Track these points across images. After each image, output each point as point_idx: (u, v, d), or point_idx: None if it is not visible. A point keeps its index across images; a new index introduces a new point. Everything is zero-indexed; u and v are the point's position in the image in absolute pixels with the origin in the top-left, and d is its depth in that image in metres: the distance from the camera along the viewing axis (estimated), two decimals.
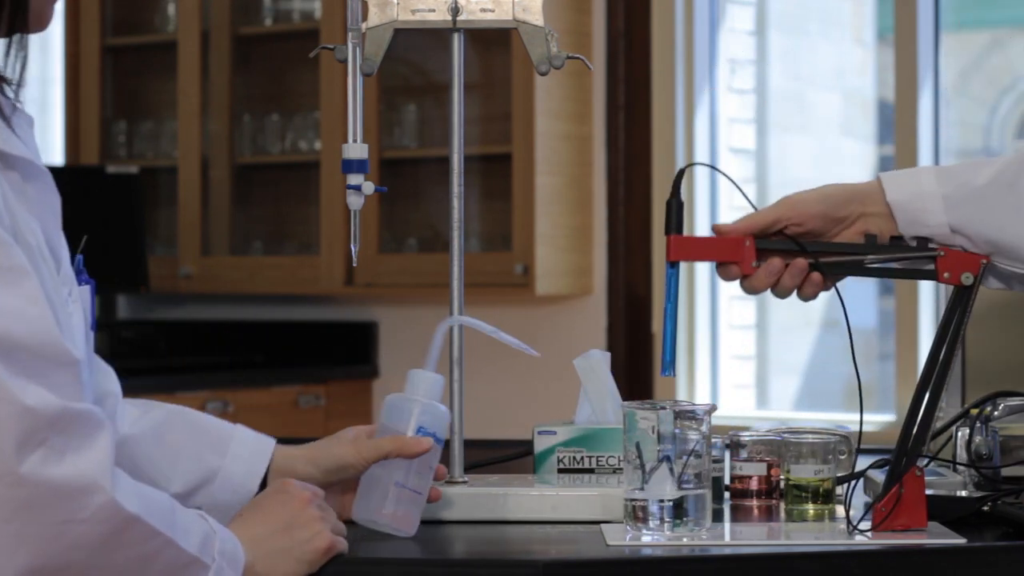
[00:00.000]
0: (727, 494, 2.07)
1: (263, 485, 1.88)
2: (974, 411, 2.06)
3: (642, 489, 1.81)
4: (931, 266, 1.91)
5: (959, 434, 2.05)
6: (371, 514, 1.85)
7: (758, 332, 5.21)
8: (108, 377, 1.91)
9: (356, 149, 2.00)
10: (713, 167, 2.04)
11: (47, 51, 6.61)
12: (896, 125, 4.70)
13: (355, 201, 2.01)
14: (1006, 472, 2.00)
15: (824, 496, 1.93)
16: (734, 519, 1.99)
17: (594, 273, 5.02)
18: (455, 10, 2.02)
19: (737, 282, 1.93)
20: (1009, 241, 1.89)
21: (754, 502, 2.05)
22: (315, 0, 5.39)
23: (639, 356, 4.95)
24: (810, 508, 1.93)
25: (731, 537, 1.88)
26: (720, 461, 2.05)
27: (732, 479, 2.07)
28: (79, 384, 1.56)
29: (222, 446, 1.89)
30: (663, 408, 1.81)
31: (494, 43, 4.98)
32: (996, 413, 2.04)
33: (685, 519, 1.80)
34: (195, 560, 1.58)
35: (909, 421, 1.85)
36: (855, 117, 5.51)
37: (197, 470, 1.88)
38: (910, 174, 1.93)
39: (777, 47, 5.32)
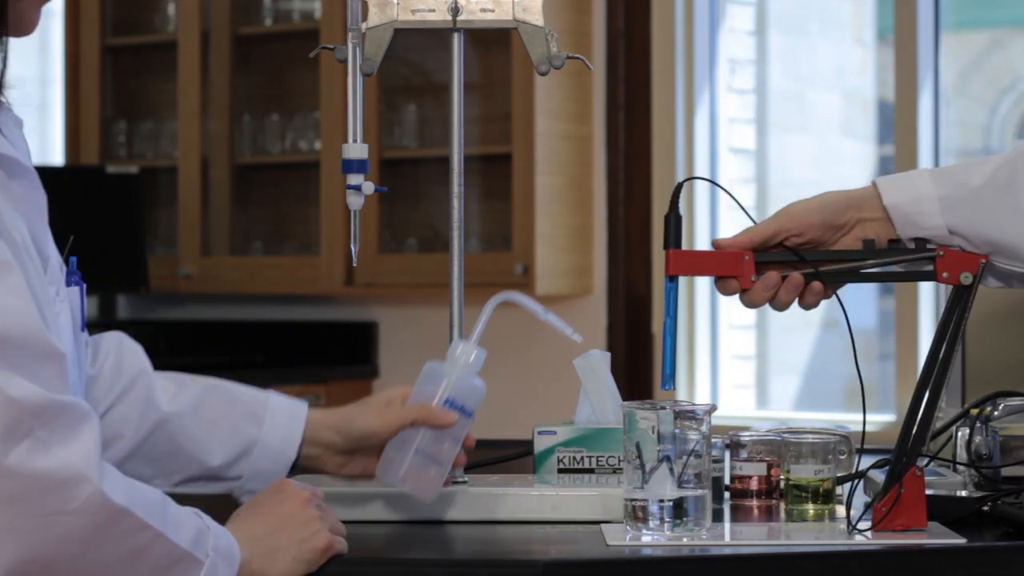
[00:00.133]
0: (727, 494, 2.07)
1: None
2: (974, 411, 2.06)
3: (642, 489, 1.81)
4: (930, 267, 1.91)
5: (959, 434, 2.05)
6: (391, 477, 1.88)
7: (758, 332, 5.22)
8: (137, 356, 1.93)
9: (356, 149, 2.00)
10: (712, 181, 2.05)
11: (47, 51, 6.62)
12: (896, 125, 4.70)
13: (355, 201, 2.01)
14: (1006, 472, 2.00)
15: (824, 496, 1.93)
16: (734, 519, 1.99)
17: (594, 273, 5.02)
18: (455, 10, 2.02)
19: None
20: (1007, 240, 1.89)
21: (754, 502, 2.05)
22: (315, 0, 5.39)
23: (639, 356, 4.95)
24: (810, 508, 1.93)
25: (731, 537, 1.88)
26: (720, 461, 2.05)
27: (732, 479, 2.07)
28: (63, 377, 1.56)
29: (258, 417, 1.92)
30: (663, 408, 1.81)
31: (494, 43, 4.98)
32: (996, 413, 2.04)
33: (685, 519, 1.80)
34: (187, 555, 1.58)
35: (909, 421, 1.85)
36: (855, 117, 5.51)
37: (235, 442, 1.91)
38: (905, 177, 1.93)
39: (777, 47, 5.32)
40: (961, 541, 1.79)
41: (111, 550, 1.54)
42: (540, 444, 2.07)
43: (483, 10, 2.03)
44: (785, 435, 1.99)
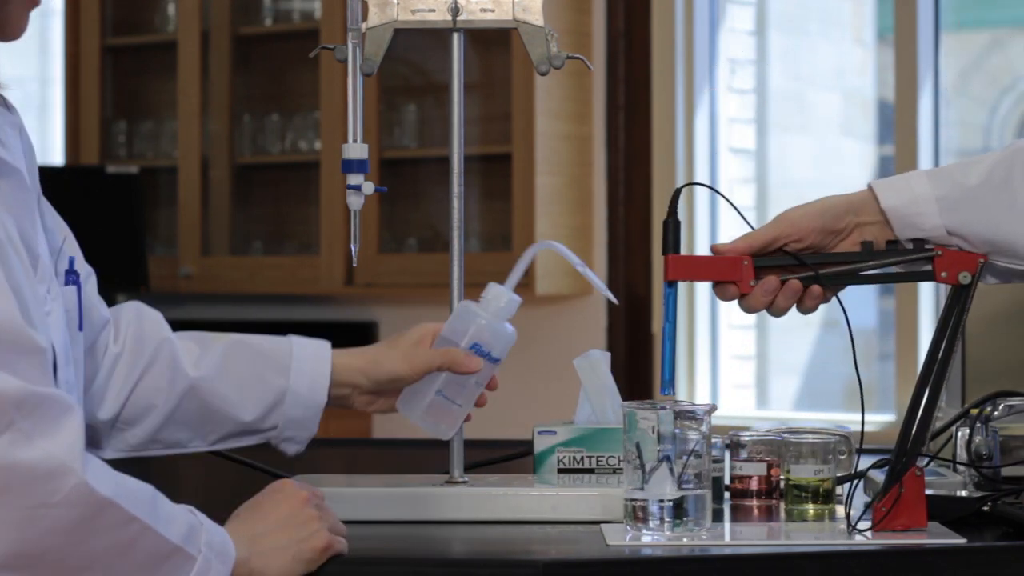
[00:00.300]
0: (727, 494, 2.07)
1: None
2: (974, 411, 2.06)
3: (642, 489, 1.81)
4: (928, 267, 1.91)
5: (959, 434, 2.05)
6: (411, 413, 1.91)
7: (758, 332, 5.22)
8: (158, 324, 1.95)
9: (356, 149, 2.00)
10: (711, 188, 2.04)
11: (47, 51, 6.62)
12: (896, 125, 4.70)
13: (355, 201, 2.01)
14: (1006, 472, 2.00)
15: (824, 496, 1.93)
16: (734, 519, 1.99)
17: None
18: (455, 10, 2.02)
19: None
20: (1006, 239, 1.89)
21: (754, 502, 2.05)
22: (315, 0, 5.39)
23: (639, 356, 4.95)
24: (810, 508, 1.93)
25: (731, 537, 1.88)
26: (720, 461, 2.05)
27: (732, 479, 2.07)
28: (46, 371, 1.56)
29: (284, 366, 1.93)
30: (663, 408, 1.81)
31: (494, 43, 4.98)
32: (996, 413, 2.04)
33: (685, 519, 1.80)
34: (178, 550, 1.57)
35: (908, 421, 1.85)
36: (855, 117, 5.51)
37: (265, 395, 1.93)
38: (902, 179, 1.93)
39: (777, 47, 5.32)
40: (961, 541, 1.79)
41: (98, 543, 1.53)
42: (540, 444, 2.07)
43: (483, 10, 2.02)
44: (785, 435, 1.99)
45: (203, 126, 5.48)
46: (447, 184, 2.05)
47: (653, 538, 1.80)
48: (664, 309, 1.92)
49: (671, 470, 1.80)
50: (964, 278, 1.89)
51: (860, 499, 2.00)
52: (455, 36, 2.04)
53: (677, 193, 1.92)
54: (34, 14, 1.71)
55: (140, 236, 5.35)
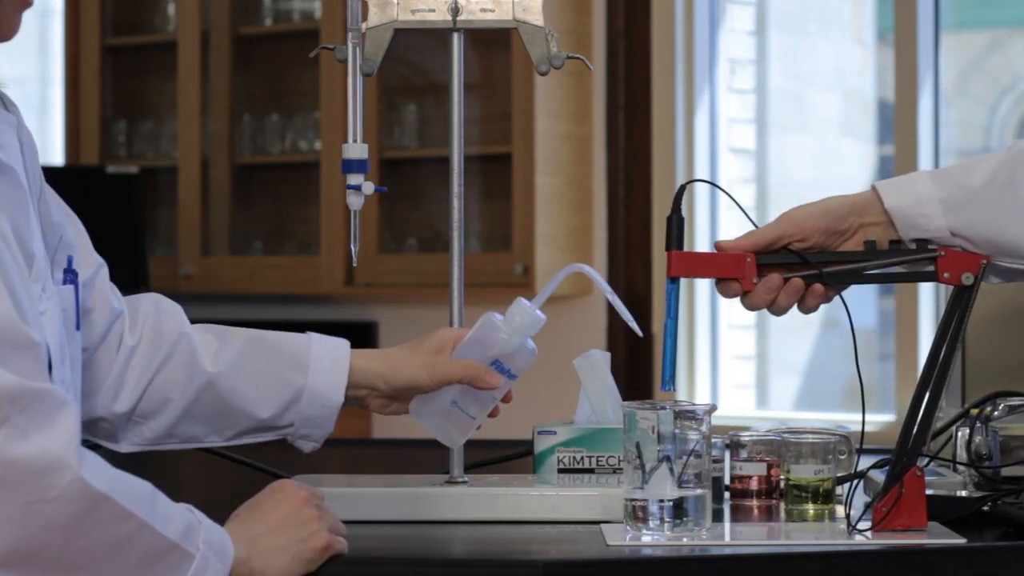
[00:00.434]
0: (727, 494, 2.07)
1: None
2: (974, 411, 2.06)
3: (642, 489, 1.81)
4: (931, 267, 1.91)
5: (959, 434, 2.05)
6: (423, 418, 1.91)
7: (758, 332, 5.22)
8: (176, 317, 1.94)
9: (356, 149, 2.00)
10: (716, 185, 2.04)
11: (47, 51, 6.61)
12: (896, 125, 4.70)
13: (355, 201, 2.01)
14: (1006, 472, 2.00)
15: (824, 496, 1.93)
16: (734, 519, 1.99)
17: None
18: (455, 10, 2.02)
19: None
20: (1009, 240, 1.89)
21: (754, 502, 2.05)
22: (315, 0, 5.39)
23: (639, 356, 4.95)
24: (810, 508, 1.93)
25: (731, 537, 1.88)
26: (720, 461, 2.05)
27: (732, 479, 2.07)
28: (40, 366, 1.56)
29: (302, 364, 1.92)
30: (663, 408, 1.81)
31: (494, 43, 4.98)
32: (996, 413, 2.04)
33: (685, 519, 1.80)
34: (175, 547, 1.57)
35: (909, 421, 1.85)
36: (855, 117, 5.51)
37: (283, 393, 1.92)
38: (906, 180, 1.93)
39: (777, 47, 5.32)
40: (961, 541, 1.79)
41: (95, 539, 1.53)
42: (540, 444, 2.07)
43: (483, 10, 2.03)
44: (785, 435, 1.99)
45: (203, 126, 5.48)
46: (447, 184, 2.05)
47: (653, 538, 1.80)
48: (666, 305, 1.92)
49: (671, 470, 1.80)
50: (967, 279, 1.89)
51: (860, 499, 2.00)
52: (455, 36, 2.04)
53: (682, 189, 1.92)
54: (34, 14, 1.71)
55: (140, 236, 5.35)
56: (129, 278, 5.33)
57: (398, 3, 2.02)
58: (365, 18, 2.01)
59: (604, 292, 1.91)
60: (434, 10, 2.02)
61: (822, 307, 1.94)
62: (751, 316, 5.13)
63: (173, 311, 1.95)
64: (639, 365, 4.95)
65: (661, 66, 4.99)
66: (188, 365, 1.91)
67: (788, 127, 5.37)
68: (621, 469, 1.97)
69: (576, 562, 1.74)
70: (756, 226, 1.94)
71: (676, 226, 1.91)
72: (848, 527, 1.83)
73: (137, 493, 1.57)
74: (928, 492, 1.85)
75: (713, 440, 1.93)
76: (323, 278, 5.22)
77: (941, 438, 2.09)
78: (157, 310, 1.94)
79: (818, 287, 1.91)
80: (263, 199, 5.58)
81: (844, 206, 1.92)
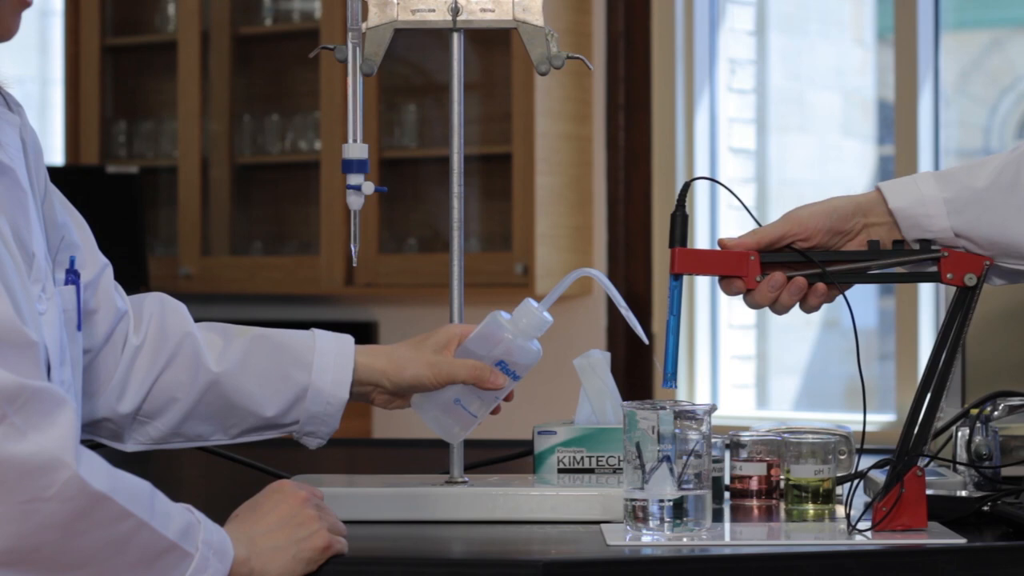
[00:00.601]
0: (727, 494, 2.07)
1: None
2: (974, 411, 2.06)
3: (642, 489, 1.81)
4: (934, 268, 1.91)
5: (959, 434, 2.05)
6: (424, 413, 1.92)
7: (758, 332, 5.22)
8: (181, 317, 1.95)
9: (356, 149, 2.00)
10: (720, 183, 2.04)
11: (47, 51, 6.61)
12: (896, 125, 4.70)
13: (355, 201, 2.01)
14: (1006, 472, 2.00)
15: (824, 496, 1.93)
16: (734, 519, 1.99)
17: None
18: (455, 10, 2.02)
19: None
20: (1013, 241, 1.89)
21: (754, 502, 2.05)
22: (315, 0, 5.39)
23: (639, 356, 4.95)
24: (810, 508, 1.93)
25: (731, 537, 1.88)
26: (720, 461, 2.05)
27: (732, 479, 2.07)
28: (38, 366, 1.56)
29: (306, 362, 1.93)
30: (663, 408, 1.81)
31: (494, 43, 4.98)
32: (996, 413, 2.04)
33: (685, 519, 1.80)
34: (174, 546, 1.57)
35: (910, 421, 1.85)
36: (855, 117, 5.51)
37: (287, 391, 1.92)
38: (910, 181, 1.93)
39: (777, 47, 5.32)
40: (961, 541, 1.79)
41: (93, 538, 1.53)
42: (540, 444, 2.07)
43: (483, 10, 2.02)
44: (785, 435, 1.99)
45: (203, 126, 5.48)
46: (447, 184, 2.05)
47: (653, 538, 1.80)
48: (669, 302, 1.92)
49: (671, 470, 1.80)
50: (970, 280, 1.90)
51: (860, 499, 2.00)
52: (455, 36, 2.04)
53: (686, 186, 1.92)
54: (34, 14, 1.71)
55: (140, 236, 5.35)
56: (129, 278, 5.31)
57: (398, 3, 2.02)
58: (365, 18, 2.01)
59: (613, 298, 1.92)
60: (434, 10, 2.02)
61: (823, 307, 1.94)
62: (751, 316, 5.13)
63: (177, 310, 1.95)
64: (639, 365, 4.95)
65: (661, 66, 4.99)
66: (193, 365, 1.91)
67: (788, 127, 5.37)
68: (621, 469, 1.97)
69: (576, 562, 1.74)
70: (760, 224, 1.94)
71: (680, 223, 1.92)
72: (848, 527, 1.83)
73: (136, 492, 1.56)
74: (928, 492, 1.85)
75: (713, 440, 1.93)
76: (323, 278, 5.22)
77: (941, 438, 2.09)
78: (162, 310, 1.94)
79: (821, 286, 1.91)
80: (263, 199, 5.58)
81: (848, 207, 1.93)
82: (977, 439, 2.02)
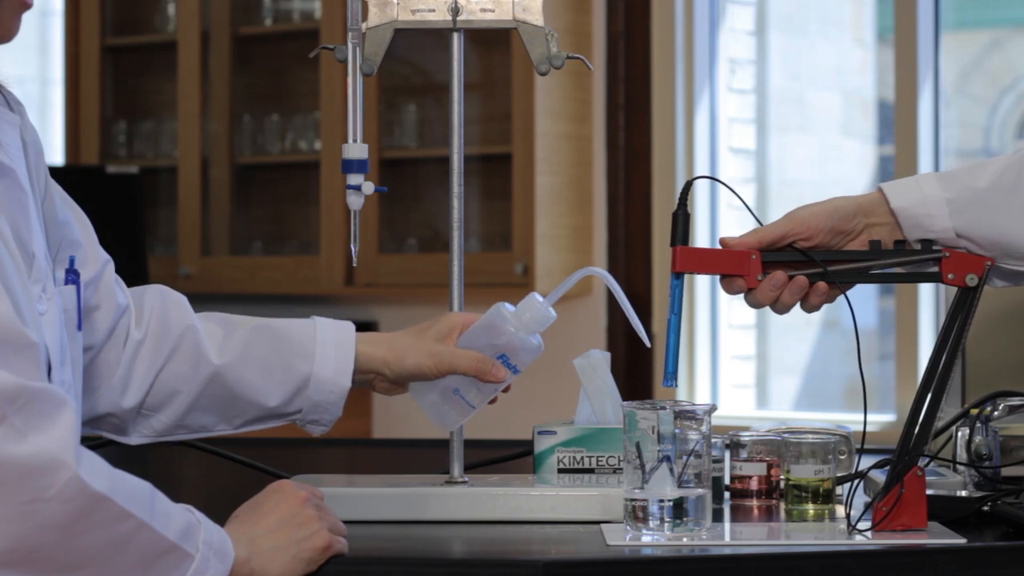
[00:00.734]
0: (727, 494, 2.07)
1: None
2: (974, 411, 2.06)
3: (642, 489, 1.81)
4: (935, 268, 1.92)
5: (959, 434, 2.05)
6: (421, 399, 1.92)
7: (758, 332, 5.22)
8: (182, 309, 1.95)
9: (356, 149, 2.00)
10: (722, 182, 2.04)
11: (47, 51, 6.61)
12: (896, 125, 4.70)
13: (355, 201, 2.01)
14: (1006, 472, 2.00)
15: (824, 496, 1.93)
16: (734, 519, 1.99)
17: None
18: (455, 10, 2.02)
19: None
20: (1014, 242, 1.90)
21: (754, 502, 2.05)
22: (315, 0, 5.39)
23: (639, 356, 4.95)
24: (810, 508, 1.93)
25: (731, 537, 1.88)
26: (720, 461, 2.05)
27: (732, 479, 2.07)
28: (38, 366, 1.56)
29: (307, 352, 1.93)
30: (663, 408, 1.81)
31: (494, 43, 4.98)
32: (996, 413, 2.04)
33: (685, 519, 1.80)
34: (174, 547, 1.57)
35: (911, 421, 1.85)
36: (855, 117, 5.51)
37: (289, 381, 1.93)
38: (912, 181, 1.94)
39: (777, 47, 5.32)
40: (961, 541, 1.79)
41: (93, 538, 1.53)
42: (540, 444, 2.07)
43: (483, 10, 2.02)
44: (785, 435, 1.99)
45: (203, 126, 5.48)
46: (447, 184, 2.05)
47: (653, 538, 1.80)
48: (670, 301, 1.92)
49: (671, 470, 1.80)
50: (971, 280, 1.90)
51: (860, 499, 2.00)
52: (455, 36, 2.04)
53: (688, 185, 1.92)
54: (34, 14, 1.71)
55: (140, 236, 5.35)
56: (129, 278, 5.29)
57: (398, 3, 2.02)
58: (365, 18, 2.01)
59: (618, 298, 1.92)
60: (434, 10, 2.02)
61: (823, 307, 1.94)
62: (751, 316, 5.13)
63: (179, 303, 1.96)
64: (639, 365, 4.95)
65: (661, 66, 4.99)
66: (194, 358, 1.92)
67: (788, 127, 5.37)
68: (621, 469, 1.97)
69: (576, 562, 1.74)
70: (761, 224, 1.94)
71: (682, 222, 1.92)
72: (848, 527, 1.83)
73: (136, 493, 1.56)
74: (928, 492, 1.85)
75: (713, 440, 1.93)
76: (323, 278, 5.22)
77: (941, 438, 2.09)
78: (162, 303, 1.95)
79: (822, 285, 1.91)
80: (263, 199, 5.58)
81: (850, 206, 1.93)
82: (977, 439, 2.02)
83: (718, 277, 1.94)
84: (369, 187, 2.01)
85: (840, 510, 1.92)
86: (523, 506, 1.94)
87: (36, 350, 1.56)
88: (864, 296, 5.14)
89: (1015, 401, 2.05)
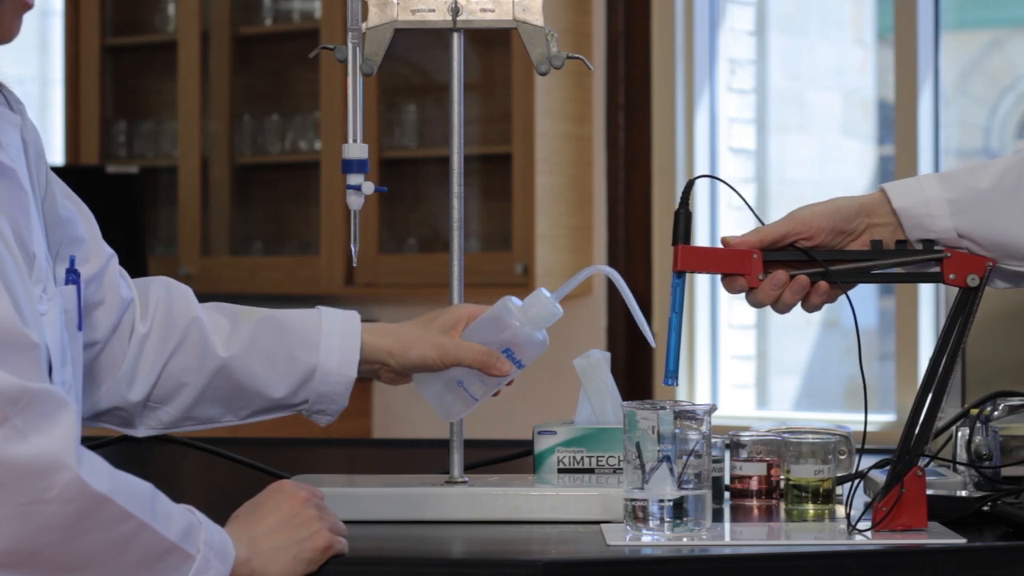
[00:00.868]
0: (727, 494, 2.07)
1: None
2: (974, 411, 2.06)
3: (642, 489, 1.80)
4: (937, 268, 1.92)
5: (959, 434, 2.05)
6: (425, 389, 1.93)
7: (758, 332, 5.21)
8: (187, 302, 1.95)
9: (356, 149, 2.00)
10: (724, 181, 2.04)
11: (47, 51, 6.62)
12: (896, 125, 4.70)
13: (355, 201, 2.01)
14: (1006, 472, 2.00)
15: (824, 496, 1.93)
16: (734, 519, 1.99)
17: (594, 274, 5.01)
18: (455, 10, 2.02)
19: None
20: (1015, 243, 1.90)
21: (754, 502, 2.05)
22: (315, 0, 5.39)
23: (639, 356, 4.95)
24: (810, 508, 1.93)
25: (731, 537, 1.88)
26: (720, 461, 2.05)
27: (732, 479, 2.07)
28: (39, 367, 1.56)
29: (313, 343, 1.93)
30: (663, 408, 1.81)
31: (494, 43, 4.98)
32: (996, 413, 2.04)
33: (685, 519, 1.80)
34: (175, 548, 1.57)
35: (911, 421, 1.85)
36: (855, 117, 5.51)
37: (295, 372, 1.93)
38: (913, 181, 1.94)
39: (777, 47, 5.32)
40: (961, 541, 1.79)
41: (94, 539, 1.53)
42: (540, 444, 2.07)
43: (483, 10, 2.02)
44: (785, 435, 1.99)
45: (203, 126, 5.48)
46: (447, 184, 2.05)
47: (653, 538, 1.80)
48: (671, 300, 1.92)
49: (671, 470, 1.80)
50: (972, 280, 1.90)
51: (860, 499, 2.00)
52: (455, 36, 2.04)
53: (690, 184, 1.92)
54: (34, 14, 1.71)
55: (140, 236, 5.35)
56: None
57: (398, 3, 2.02)
58: (365, 18, 2.01)
59: (625, 297, 1.92)
60: (434, 10, 2.02)
61: (823, 307, 1.94)
62: (751, 316, 5.13)
63: (183, 295, 1.96)
64: (639, 365, 4.95)
65: (661, 66, 4.99)
66: (200, 350, 1.92)
67: (788, 127, 5.37)
68: (621, 469, 1.97)
69: (576, 562, 1.74)
70: (763, 223, 1.94)
71: (684, 221, 1.92)
72: (848, 527, 1.83)
73: (137, 494, 1.56)
74: (928, 492, 1.85)
75: (713, 440, 1.93)
76: (323, 278, 5.22)
77: (941, 438, 2.09)
78: (168, 295, 1.95)
79: (823, 285, 1.91)
80: (263, 199, 5.58)
81: (852, 206, 1.93)
82: (977, 439, 2.02)
83: (719, 276, 1.94)
84: (369, 187, 2.01)
85: (840, 510, 1.92)
86: (523, 506, 1.94)
87: (37, 351, 1.56)
88: (864, 296, 5.14)
89: (1015, 401, 2.05)
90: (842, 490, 2.05)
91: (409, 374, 1.95)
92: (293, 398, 1.94)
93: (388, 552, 1.81)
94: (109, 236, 1.98)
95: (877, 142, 5.42)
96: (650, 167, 4.99)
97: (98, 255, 1.90)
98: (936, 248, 1.92)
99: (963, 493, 1.97)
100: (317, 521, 1.70)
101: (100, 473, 1.54)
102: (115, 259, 1.93)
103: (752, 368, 5.17)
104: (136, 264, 5.27)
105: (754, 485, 2.05)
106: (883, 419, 4.67)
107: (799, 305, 1.93)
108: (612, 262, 5.02)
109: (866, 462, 2.07)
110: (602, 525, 1.89)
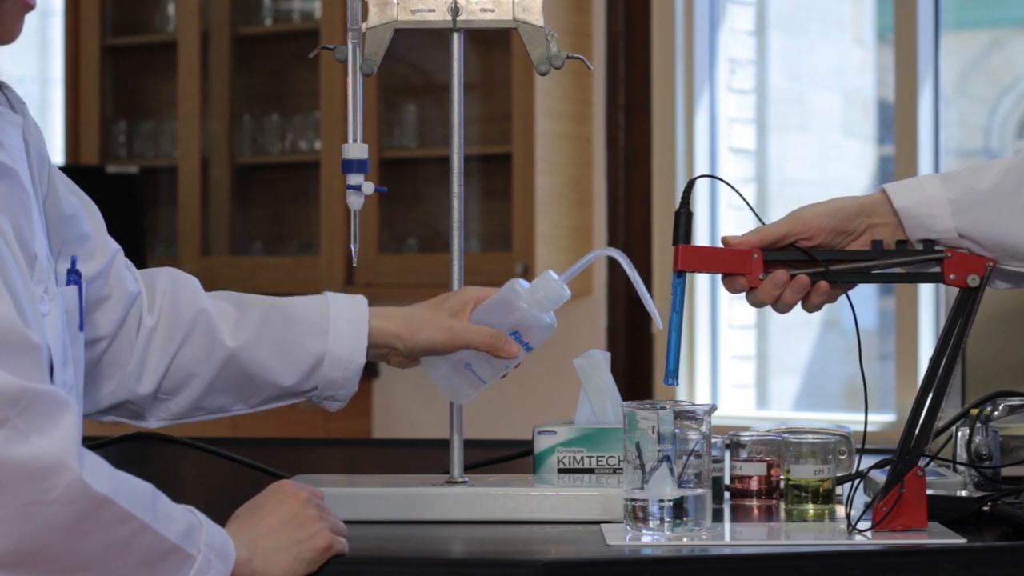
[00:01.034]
0: (727, 494, 2.07)
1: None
2: (974, 411, 2.06)
3: (642, 489, 1.81)
4: (937, 268, 1.92)
5: (959, 434, 2.05)
6: (433, 372, 1.93)
7: (758, 332, 5.21)
8: (194, 293, 1.96)
9: (356, 149, 2.00)
10: (725, 181, 2.04)
11: (47, 51, 6.62)
12: (896, 125, 4.70)
13: (355, 201, 2.01)
14: (1006, 472, 2.00)
15: (824, 496, 1.93)
16: (734, 519, 1.99)
17: (594, 273, 5.02)
18: (455, 10, 2.02)
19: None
20: (1016, 243, 1.90)
21: (754, 502, 2.05)
22: (315, 0, 5.40)
23: (639, 356, 4.95)
24: (810, 508, 1.93)
25: (731, 537, 1.88)
26: (720, 461, 2.05)
27: (732, 479, 2.07)
28: (40, 368, 1.56)
29: (321, 330, 1.93)
30: (663, 408, 1.81)
31: (494, 43, 4.98)
32: (996, 413, 2.04)
33: (685, 519, 1.80)
34: (176, 548, 1.57)
35: (911, 421, 1.85)
36: (855, 117, 5.51)
37: (304, 359, 1.93)
38: (915, 181, 1.94)
39: (777, 47, 5.32)
40: (961, 541, 1.79)
41: (95, 540, 1.53)
42: (540, 444, 2.07)
43: (483, 10, 2.02)
44: (785, 435, 1.99)
45: (203, 126, 5.48)
46: (447, 184, 2.05)
47: (653, 538, 1.80)
48: (672, 299, 1.93)
49: (671, 470, 1.80)
50: (973, 281, 1.90)
51: (860, 499, 2.00)
52: (455, 36, 2.04)
53: (691, 184, 1.93)
54: (34, 14, 1.71)
55: (140, 236, 5.35)
56: None
57: (398, 3, 2.02)
58: (365, 18, 2.01)
59: (633, 280, 1.92)
60: (434, 10, 2.02)
61: (823, 307, 1.94)
62: (751, 316, 5.12)
63: (190, 286, 1.96)
64: (639, 365, 4.95)
65: (661, 66, 4.99)
66: (208, 341, 1.92)
67: (788, 127, 5.37)
68: (621, 469, 1.97)
69: (576, 562, 1.74)
70: (763, 223, 1.94)
71: (684, 220, 1.92)
72: (848, 527, 1.83)
73: (138, 494, 1.56)
74: (928, 492, 1.85)
75: (713, 440, 1.93)
76: (323, 278, 5.22)
77: (941, 438, 2.09)
78: (174, 286, 1.96)
79: (823, 285, 1.91)
80: (263, 199, 5.58)
81: (853, 206, 1.93)
82: (977, 439, 2.02)
83: (719, 276, 1.94)
84: (369, 187, 2.01)
85: (840, 510, 1.92)
86: (523, 506, 1.94)
87: (38, 351, 1.56)
88: (864, 296, 5.14)
89: (1015, 401, 2.06)
90: (842, 490, 2.05)
91: (418, 357, 1.95)
92: (303, 385, 1.94)
93: (388, 552, 1.81)
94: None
95: (877, 142, 5.42)
96: (650, 167, 4.99)
97: (103, 250, 1.90)
98: (937, 248, 1.92)
99: (963, 493, 1.97)
100: (318, 521, 1.70)
101: (101, 474, 1.54)
102: (121, 253, 1.94)
103: (752, 368, 5.17)
104: (136, 264, 5.23)
105: (754, 485, 2.05)
106: (883, 419, 4.67)
107: (799, 305, 1.93)
108: (612, 262, 5.00)
109: (866, 462, 2.07)
110: (602, 525, 1.89)
